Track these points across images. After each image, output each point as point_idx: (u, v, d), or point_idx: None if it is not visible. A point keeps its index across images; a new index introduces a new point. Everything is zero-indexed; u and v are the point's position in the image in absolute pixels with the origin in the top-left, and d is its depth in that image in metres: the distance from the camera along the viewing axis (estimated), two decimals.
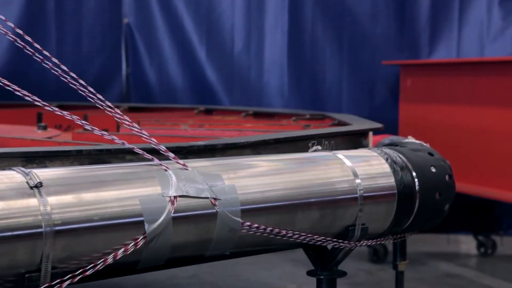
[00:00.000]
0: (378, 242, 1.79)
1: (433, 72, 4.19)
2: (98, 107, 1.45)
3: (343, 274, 1.71)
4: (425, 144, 2.20)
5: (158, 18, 4.76)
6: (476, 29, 4.32)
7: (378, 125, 2.43)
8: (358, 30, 4.54)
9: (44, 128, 2.79)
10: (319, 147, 1.80)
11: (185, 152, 1.60)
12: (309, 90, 4.61)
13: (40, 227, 1.17)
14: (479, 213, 4.24)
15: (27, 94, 1.41)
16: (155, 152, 1.44)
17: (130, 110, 3.77)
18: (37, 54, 1.44)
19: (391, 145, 1.93)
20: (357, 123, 2.49)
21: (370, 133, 2.35)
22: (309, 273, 1.73)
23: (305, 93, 4.60)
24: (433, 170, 1.79)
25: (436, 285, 3.46)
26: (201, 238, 1.37)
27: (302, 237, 1.53)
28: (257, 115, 3.43)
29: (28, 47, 1.45)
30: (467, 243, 4.32)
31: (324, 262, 1.70)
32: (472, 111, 3.80)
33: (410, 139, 2.33)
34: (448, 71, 4.07)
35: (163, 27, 4.76)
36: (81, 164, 1.48)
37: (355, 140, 2.19)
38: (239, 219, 1.39)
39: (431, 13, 4.46)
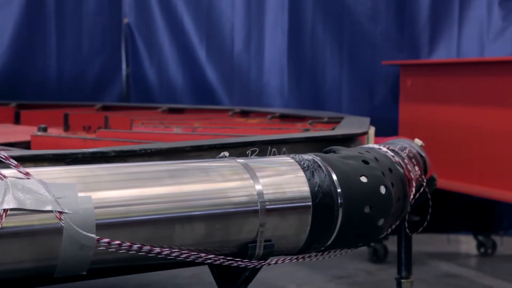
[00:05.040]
0: (297, 260, 1.57)
1: (433, 72, 4.19)
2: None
3: None
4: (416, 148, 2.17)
5: (158, 18, 4.77)
6: (476, 29, 4.32)
7: (362, 130, 2.23)
8: (358, 30, 4.54)
9: (44, 130, 2.78)
10: (226, 153, 1.58)
11: (69, 161, 1.46)
12: (309, 90, 4.61)
13: None
14: (479, 213, 4.24)
15: None
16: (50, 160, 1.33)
17: (170, 111, 3.76)
18: None
19: (328, 152, 1.72)
20: (344, 128, 2.32)
21: (366, 136, 2.27)
22: None
23: (305, 93, 4.60)
24: (364, 180, 1.56)
25: (436, 285, 3.46)
26: (42, 256, 1.20)
27: (185, 255, 1.34)
28: (283, 117, 3.34)
29: None
30: (467, 243, 4.32)
31: (229, 282, 1.51)
32: (472, 111, 3.80)
33: (417, 141, 2.32)
34: (448, 71, 4.07)
35: (163, 27, 4.76)
36: None
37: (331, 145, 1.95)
38: (93, 235, 1.21)
39: (431, 13, 4.46)
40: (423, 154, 2.27)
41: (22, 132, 2.87)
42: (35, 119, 3.38)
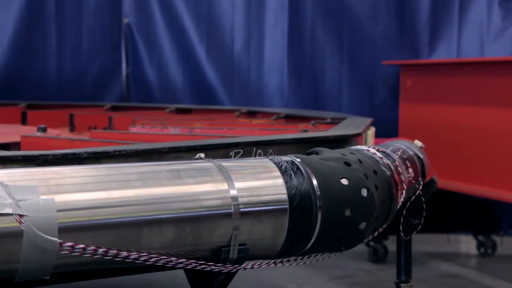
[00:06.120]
0: (274, 265, 1.52)
1: (433, 72, 4.19)
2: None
3: None
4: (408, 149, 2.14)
5: (158, 18, 4.77)
6: (476, 29, 4.32)
7: (354, 131, 2.15)
8: (358, 30, 4.55)
9: (44, 130, 2.78)
10: (202, 155, 1.53)
11: (39, 162, 1.41)
12: (309, 90, 4.61)
13: None
14: (479, 213, 4.24)
15: None
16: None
17: (177, 112, 3.75)
18: None
19: (310, 153, 1.66)
20: (336, 129, 2.27)
21: (363, 137, 2.25)
22: None
23: (305, 93, 4.60)
24: (345, 182, 1.50)
25: (436, 285, 3.46)
26: (2, 260, 1.17)
27: (154, 259, 1.31)
28: (288, 118, 3.31)
29: None
30: (467, 243, 4.32)
31: (204, 286, 1.47)
32: (472, 111, 3.80)
33: (416, 143, 2.30)
34: (448, 71, 4.07)
35: (163, 27, 4.76)
36: None
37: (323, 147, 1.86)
38: (55, 239, 1.18)
39: (431, 13, 4.46)
40: (421, 156, 2.23)
41: (22, 133, 2.87)
42: (42, 120, 3.38)
